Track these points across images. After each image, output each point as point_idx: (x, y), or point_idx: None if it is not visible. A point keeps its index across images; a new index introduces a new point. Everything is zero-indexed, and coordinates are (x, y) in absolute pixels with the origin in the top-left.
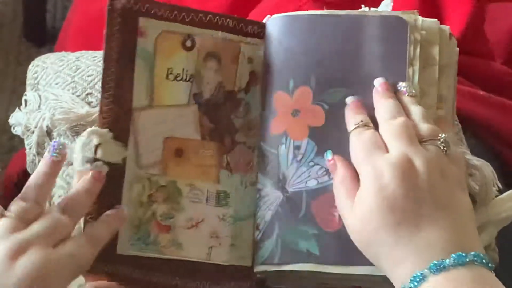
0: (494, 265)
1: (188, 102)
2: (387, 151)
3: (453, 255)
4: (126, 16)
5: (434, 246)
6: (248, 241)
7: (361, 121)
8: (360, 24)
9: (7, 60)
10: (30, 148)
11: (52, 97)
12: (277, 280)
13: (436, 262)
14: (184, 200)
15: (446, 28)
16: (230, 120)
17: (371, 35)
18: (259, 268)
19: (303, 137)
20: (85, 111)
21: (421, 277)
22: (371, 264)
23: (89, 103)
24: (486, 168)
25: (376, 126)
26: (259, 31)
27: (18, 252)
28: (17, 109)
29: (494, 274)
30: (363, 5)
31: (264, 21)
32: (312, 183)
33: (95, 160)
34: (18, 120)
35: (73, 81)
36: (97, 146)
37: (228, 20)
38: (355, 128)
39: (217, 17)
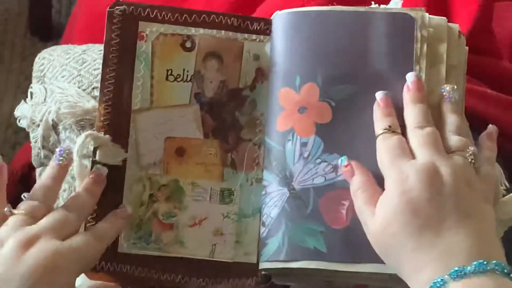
0: None
1: (189, 102)
2: (413, 158)
3: (474, 262)
4: (126, 21)
5: (456, 253)
6: (253, 238)
7: (389, 126)
8: (367, 20)
9: (12, 55)
10: (35, 142)
11: (58, 90)
12: (282, 277)
13: (457, 269)
14: (187, 198)
15: (455, 26)
16: (235, 118)
17: (378, 32)
18: (264, 265)
19: (310, 134)
20: (91, 105)
21: (441, 283)
22: (378, 261)
23: (94, 97)
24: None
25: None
26: (266, 28)
27: (28, 243)
28: (22, 101)
29: None
30: (373, 2)
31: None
32: (319, 180)
33: (95, 162)
34: (23, 112)
35: (79, 75)
36: (95, 149)
37: (232, 18)
38: (382, 133)
39: (221, 17)
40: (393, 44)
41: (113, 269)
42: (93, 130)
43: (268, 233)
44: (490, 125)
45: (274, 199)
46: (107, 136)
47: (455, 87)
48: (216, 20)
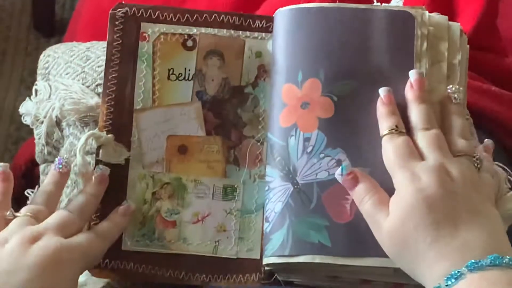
0: None
1: (191, 100)
2: (422, 159)
3: (490, 256)
4: (128, 23)
5: (472, 247)
6: (256, 234)
7: (396, 126)
8: (368, 17)
9: (16, 50)
10: (39, 138)
11: (62, 87)
12: (286, 272)
13: (473, 261)
14: (190, 195)
15: (456, 25)
16: (237, 115)
17: (379, 29)
18: (268, 260)
19: (312, 129)
20: (95, 102)
21: (458, 275)
22: (382, 255)
23: (98, 94)
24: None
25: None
26: (267, 26)
27: (33, 238)
28: (27, 98)
29: None
30: (375, 0)
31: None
32: (323, 175)
33: (98, 161)
34: (28, 109)
35: (83, 72)
36: (98, 148)
37: (234, 17)
38: (388, 133)
39: (223, 16)
40: (394, 42)
41: (117, 266)
42: (97, 128)
43: (272, 228)
44: (487, 139)
45: (277, 194)
46: (110, 135)
47: (460, 88)
48: (218, 19)
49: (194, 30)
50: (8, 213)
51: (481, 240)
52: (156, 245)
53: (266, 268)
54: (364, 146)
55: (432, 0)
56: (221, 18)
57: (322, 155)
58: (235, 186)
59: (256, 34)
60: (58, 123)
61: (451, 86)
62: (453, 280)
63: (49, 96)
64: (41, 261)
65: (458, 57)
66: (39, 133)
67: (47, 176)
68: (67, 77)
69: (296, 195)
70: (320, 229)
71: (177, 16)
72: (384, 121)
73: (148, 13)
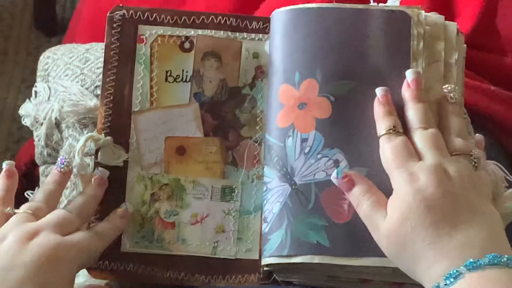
0: None
1: (189, 102)
2: (419, 159)
3: (488, 255)
4: (126, 25)
5: (470, 246)
6: (255, 235)
7: (394, 127)
8: (365, 17)
9: (17, 49)
10: (39, 140)
11: (61, 89)
12: (285, 273)
13: (472, 261)
14: (188, 196)
15: (453, 24)
16: (235, 116)
17: (375, 29)
18: (267, 261)
19: (310, 129)
20: (93, 103)
21: (457, 274)
22: (381, 255)
23: (97, 96)
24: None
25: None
26: (264, 27)
27: (31, 235)
28: (27, 100)
29: None
30: (371, 0)
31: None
32: (321, 175)
33: (97, 163)
34: (27, 111)
35: (82, 73)
36: (97, 151)
37: (231, 18)
38: (385, 134)
39: (219, 17)
40: (390, 41)
41: (117, 268)
42: (95, 130)
43: (270, 228)
44: (477, 134)
45: (275, 195)
46: (109, 137)
47: (456, 87)
48: (215, 21)
49: (191, 32)
50: (8, 209)
51: (479, 239)
52: (155, 246)
53: (264, 268)
54: (361, 146)
55: (431, 0)
56: (218, 20)
57: (319, 156)
58: (234, 187)
59: (253, 35)
60: (57, 124)
61: (447, 85)
62: (451, 280)
63: (49, 98)
64: (38, 258)
65: (455, 56)
66: (39, 134)
67: (49, 175)
68: (66, 79)
69: (294, 196)
70: (318, 229)
71: (174, 18)
72: (382, 121)
73: (145, 16)
